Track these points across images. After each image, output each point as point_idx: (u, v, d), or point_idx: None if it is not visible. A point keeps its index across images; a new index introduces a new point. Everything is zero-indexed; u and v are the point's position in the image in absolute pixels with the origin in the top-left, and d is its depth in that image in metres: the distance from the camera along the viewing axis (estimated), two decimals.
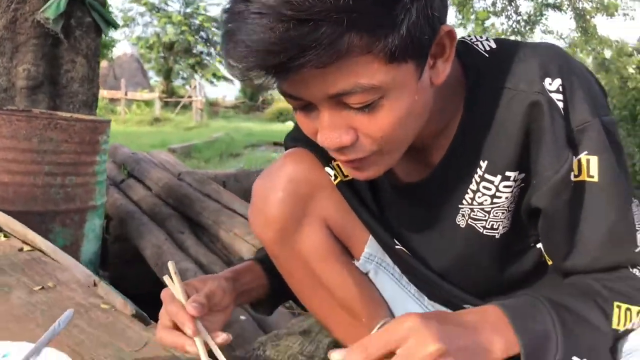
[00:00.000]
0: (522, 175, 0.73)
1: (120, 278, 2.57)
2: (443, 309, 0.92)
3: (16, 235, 1.37)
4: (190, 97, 18.83)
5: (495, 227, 0.77)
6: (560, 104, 0.68)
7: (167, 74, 25.09)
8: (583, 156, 0.69)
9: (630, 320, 0.69)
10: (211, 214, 2.63)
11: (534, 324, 0.65)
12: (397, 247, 0.87)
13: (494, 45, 0.74)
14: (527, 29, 7.24)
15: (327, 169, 0.88)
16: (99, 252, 2.40)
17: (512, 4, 6.87)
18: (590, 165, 0.69)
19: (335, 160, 0.86)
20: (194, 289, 0.81)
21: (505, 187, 0.74)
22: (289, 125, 22.35)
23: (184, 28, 23.34)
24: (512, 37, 8.12)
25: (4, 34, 2.90)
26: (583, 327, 0.67)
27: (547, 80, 0.68)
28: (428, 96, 0.67)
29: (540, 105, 0.68)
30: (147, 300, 1.17)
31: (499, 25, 7.86)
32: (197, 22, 24.37)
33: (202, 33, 24.86)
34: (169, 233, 2.50)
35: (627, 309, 0.69)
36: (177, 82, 26.73)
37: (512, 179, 0.73)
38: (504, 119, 0.71)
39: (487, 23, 7.83)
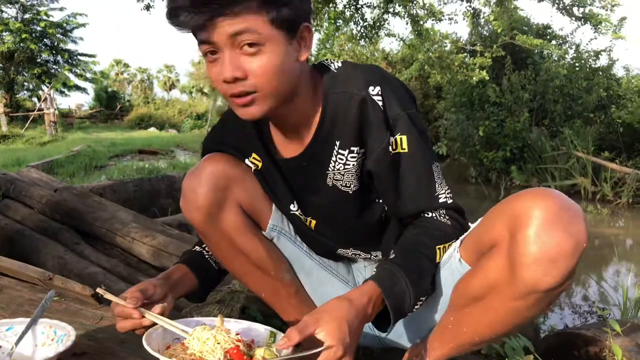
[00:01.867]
0: (362, 150, 1.11)
1: None
2: (326, 259, 1.34)
3: None
4: (40, 109, 17.49)
5: (349, 185, 1.16)
6: (380, 103, 1.07)
7: (10, 86, 22.93)
8: (397, 136, 1.09)
9: (446, 252, 1.12)
10: (104, 223, 2.73)
11: (394, 287, 1.03)
12: (291, 212, 1.24)
13: (340, 65, 1.14)
14: (373, 32, 8.08)
15: (247, 162, 1.22)
16: None
17: (359, 12, 7.58)
18: (402, 141, 1.09)
19: (251, 157, 1.21)
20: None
21: (351, 157, 1.12)
22: (152, 131, 21.64)
23: (24, 35, 21.43)
24: (362, 41, 8.97)
25: None
26: (423, 277, 1.07)
27: (371, 87, 1.08)
28: (295, 67, 1.05)
29: (367, 103, 1.07)
30: None
31: (349, 31, 8.74)
32: (39, 28, 22.52)
33: (45, 40, 23.05)
34: (65, 245, 2.56)
35: (443, 247, 1.11)
36: (22, 95, 24.54)
37: (355, 152, 1.11)
38: (347, 111, 1.09)
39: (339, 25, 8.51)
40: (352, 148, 1.11)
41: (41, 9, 22.40)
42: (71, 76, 24.53)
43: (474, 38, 10.43)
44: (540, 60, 9.98)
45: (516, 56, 9.89)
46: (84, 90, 25.22)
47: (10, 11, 22.27)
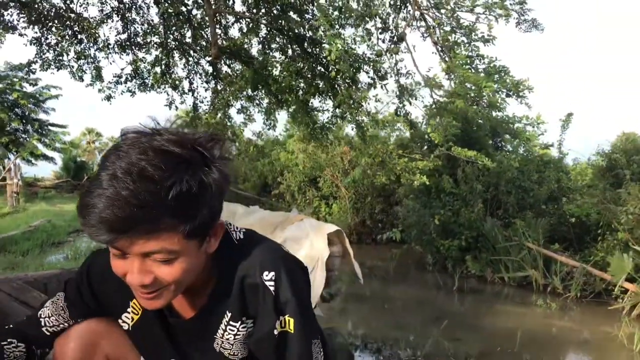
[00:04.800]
0: (252, 322, 1.20)
1: None
2: None
3: None
4: (4, 179, 17.28)
5: (236, 353, 1.24)
6: (272, 288, 1.15)
7: None
8: (286, 317, 1.16)
9: None
10: None
11: None
12: None
13: (242, 237, 1.23)
14: (322, 134, 8.56)
15: (124, 317, 1.31)
16: None
17: (309, 115, 8.08)
18: (289, 323, 1.17)
19: (129, 312, 1.29)
20: None
21: (243, 327, 1.21)
22: None
23: None
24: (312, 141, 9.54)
25: None
26: None
27: (265, 273, 1.16)
28: (203, 258, 1.12)
29: (258, 287, 1.16)
30: None
31: (300, 132, 9.52)
32: (11, 98, 22.64)
33: (17, 110, 23.11)
34: None
35: None
36: None
37: (247, 323, 1.20)
38: (239, 291, 1.18)
39: None
40: (243, 319, 1.19)
41: (15, 79, 22.67)
42: (40, 145, 24.47)
43: (413, 144, 11.22)
44: (493, 152, 10.49)
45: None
46: (51, 159, 25.08)
47: None
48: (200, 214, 1.02)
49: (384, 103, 9.89)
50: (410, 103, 8.29)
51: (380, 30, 7.65)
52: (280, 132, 15.89)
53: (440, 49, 8.13)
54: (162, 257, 1.02)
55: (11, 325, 1.36)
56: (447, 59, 8.31)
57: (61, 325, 1.35)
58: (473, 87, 9.49)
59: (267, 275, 1.15)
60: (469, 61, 8.93)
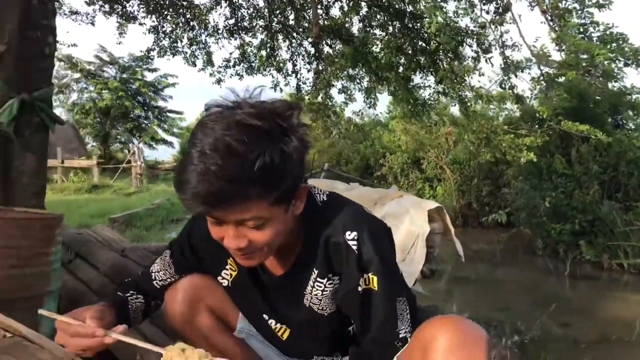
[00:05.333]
0: (338, 278, 1.26)
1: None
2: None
3: None
4: (129, 162, 18.88)
5: (324, 309, 1.31)
6: (355, 247, 1.20)
7: (105, 139, 25.01)
8: (370, 275, 1.20)
9: None
10: None
11: None
12: (263, 321, 1.41)
13: (325, 199, 1.29)
14: (424, 111, 8.34)
15: (223, 273, 1.42)
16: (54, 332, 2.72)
17: (410, 92, 7.91)
18: (373, 281, 1.21)
19: (227, 269, 1.41)
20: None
21: (329, 284, 1.27)
22: None
23: (120, 93, 23.50)
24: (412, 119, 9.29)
25: None
26: None
27: (347, 232, 1.21)
28: (290, 221, 1.20)
29: (341, 247, 1.21)
30: None
31: (401, 110, 9.25)
32: (134, 87, 24.61)
33: (139, 98, 25.08)
34: None
35: None
36: (115, 147, 26.65)
37: (334, 280, 1.26)
38: (324, 249, 1.24)
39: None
40: (329, 276, 1.26)
41: (137, 69, 24.60)
42: (159, 131, 26.41)
43: (521, 120, 10.51)
44: (613, 131, 9.68)
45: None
46: (170, 144, 26.96)
47: (111, 71, 24.63)
48: (284, 182, 1.08)
49: (492, 81, 9.43)
50: (516, 76, 7.83)
51: (484, 1, 7.30)
52: (383, 112, 15.67)
53: (549, 17, 7.56)
54: (254, 224, 1.10)
55: (129, 279, 1.54)
56: (556, 28, 7.72)
57: (168, 280, 1.50)
58: (585, 57, 8.73)
59: (349, 235, 1.20)
60: (581, 29, 8.19)
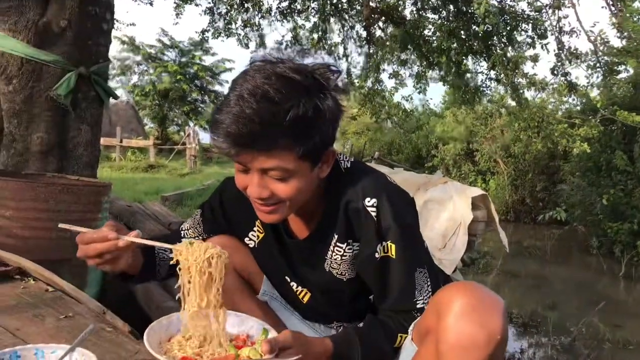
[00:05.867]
0: (358, 244, 1.27)
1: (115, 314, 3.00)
2: (317, 324, 1.50)
3: (42, 279, 1.85)
4: (184, 143, 19.39)
5: (344, 273, 1.31)
6: (374, 214, 1.21)
7: (162, 121, 25.78)
8: (388, 242, 1.22)
9: (404, 340, 1.23)
10: None
11: (346, 352, 1.17)
12: (285, 283, 1.43)
13: (349, 165, 1.30)
14: (475, 97, 8.10)
15: (250, 235, 1.44)
16: (99, 294, 2.85)
17: (462, 78, 7.70)
18: (391, 248, 1.22)
19: (255, 231, 1.42)
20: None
21: (349, 249, 1.28)
22: None
23: (179, 77, 24.13)
24: (463, 105, 9.03)
25: (22, 107, 3.41)
26: (376, 352, 1.20)
27: (367, 199, 1.22)
28: (315, 181, 1.22)
29: (360, 212, 1.23)
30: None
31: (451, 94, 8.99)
32: (192, 71, 25.20)
33: (196, 82, 25.67)
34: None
35: (404, 335, 1.23)
36: (172, 129, 27.42)
37: (353, 246, 1.27)
38: (344, 214, 1.25)
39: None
40: (349, 241, 1.27)
41: (196, 53, 25.15)
42: None
43: (581, 112, 10.00)
44: None
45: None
46: None
47: (171, 54, 25.29)
48: (313, 137, 1.11)
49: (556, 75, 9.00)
50: (570, 62, 7.46)
51: None
52: (438, 102, 15.36)
53: (610, 2, 7.14)
54: (278, 175, 1.12)
55: (160, 235, 1.59)
56: (618, 13, 7.28)
57: (197, 238, 1.55)
58: None
59: (368, 202, 1.21)
60: None
